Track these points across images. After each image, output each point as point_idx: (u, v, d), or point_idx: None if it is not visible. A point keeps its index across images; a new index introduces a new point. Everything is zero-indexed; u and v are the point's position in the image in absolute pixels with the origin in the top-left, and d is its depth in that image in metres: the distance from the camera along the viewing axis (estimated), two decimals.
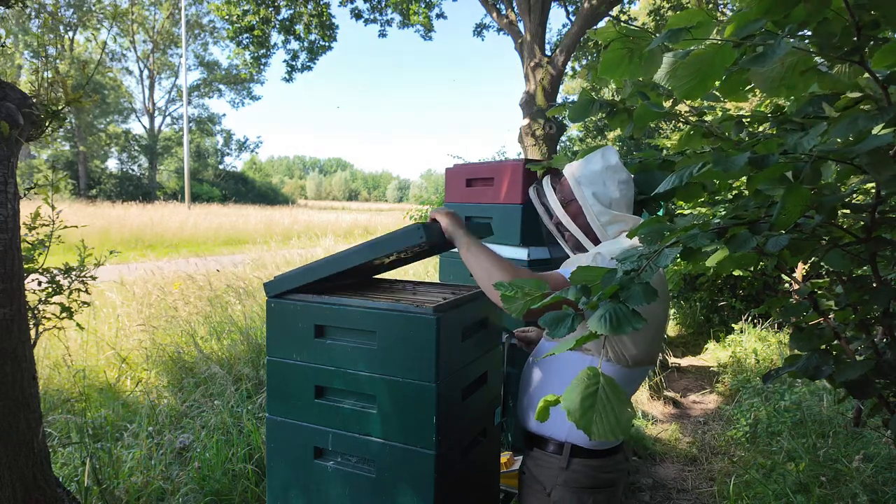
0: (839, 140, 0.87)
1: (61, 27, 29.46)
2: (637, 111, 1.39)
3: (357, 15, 9.35)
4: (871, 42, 0.84)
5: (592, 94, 1.48)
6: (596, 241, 1.42)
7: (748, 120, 1.33)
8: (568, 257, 1.52)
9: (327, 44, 9.26)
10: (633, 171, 1.56)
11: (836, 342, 1.23)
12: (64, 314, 2.13)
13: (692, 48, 0.92)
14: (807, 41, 0.89)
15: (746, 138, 1.30)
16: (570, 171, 1.43)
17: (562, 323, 0.79)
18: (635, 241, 1.25)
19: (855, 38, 0.82)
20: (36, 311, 2.03)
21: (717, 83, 0.94)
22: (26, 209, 1.92)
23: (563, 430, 1.38)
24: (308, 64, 9.43)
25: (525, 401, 1.50)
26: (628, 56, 1.02)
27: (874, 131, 0.84)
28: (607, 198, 1.38)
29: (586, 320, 0.82)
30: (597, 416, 0.72)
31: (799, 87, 0.95)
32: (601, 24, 6.52)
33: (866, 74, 0.87)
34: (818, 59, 0.91)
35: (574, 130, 13.61)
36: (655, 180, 1.48)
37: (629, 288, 0.76)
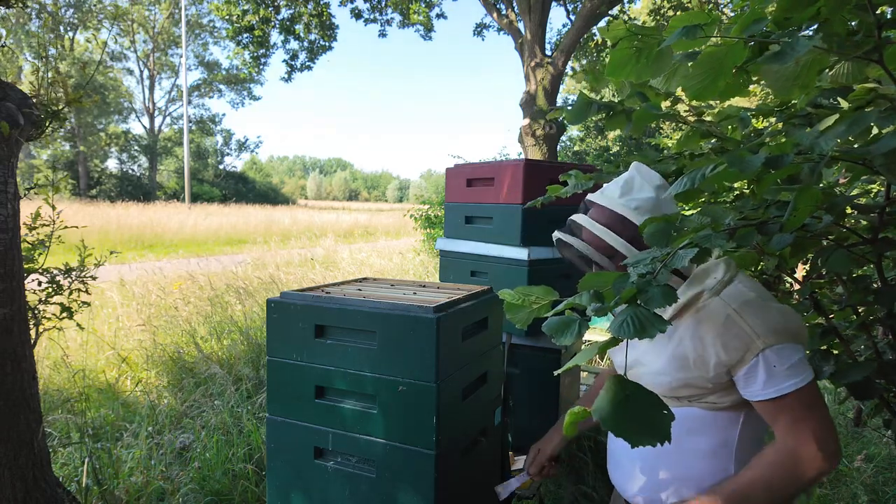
0: (839, 140, 0.86)
1: (62, 27, 29.47)
2: (636, 113, 1.37)
3: (357, 15, 9.35)
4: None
5: (591, 94, 1.47)
6: None
7: (753, 114, 1.31)
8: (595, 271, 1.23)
9: (327, 44, 9.28)
10: None
11: (836, 342, 1.23)
12: (64, 314, 2.13)
13: (697, 49, 0.90)
14: (821, 40, 0.87)
15: (751, 134, 1.29)
16: (619, 204, 1.17)
17: (567, 329, 0.75)
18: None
19: (874, 37, 0.81)
20: (36, 311, 2.03)
21: (726, 83, 0.92)
22: (26, 209, 1.92)
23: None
24: (308, 64, 9.45)
25: (621, 465, 1.27)
26: (636, 56, 1.00)
27: (885, 130, 0.83)
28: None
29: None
30: (632, 424, 0.69)
31: (812, 86, 0.93)
32: (601, 23, 6.52)
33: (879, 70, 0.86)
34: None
35: (574, 130, 13.62)
36: None
37: (647, 291, 0.72)
